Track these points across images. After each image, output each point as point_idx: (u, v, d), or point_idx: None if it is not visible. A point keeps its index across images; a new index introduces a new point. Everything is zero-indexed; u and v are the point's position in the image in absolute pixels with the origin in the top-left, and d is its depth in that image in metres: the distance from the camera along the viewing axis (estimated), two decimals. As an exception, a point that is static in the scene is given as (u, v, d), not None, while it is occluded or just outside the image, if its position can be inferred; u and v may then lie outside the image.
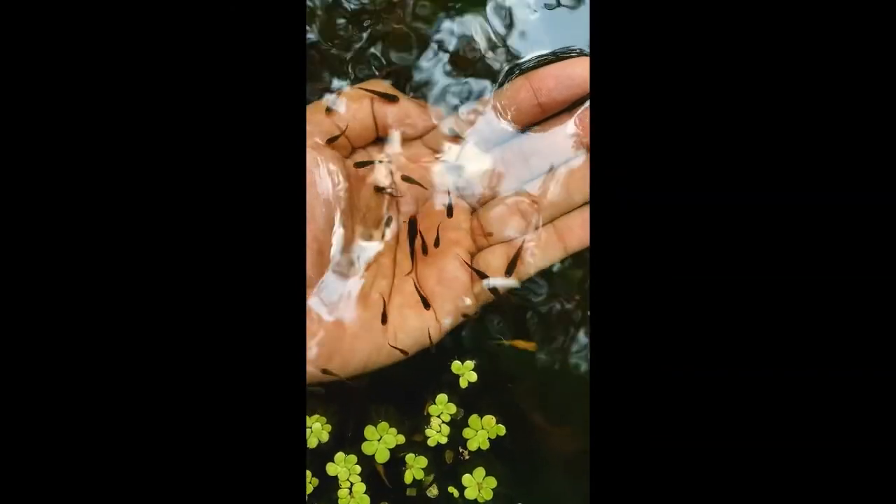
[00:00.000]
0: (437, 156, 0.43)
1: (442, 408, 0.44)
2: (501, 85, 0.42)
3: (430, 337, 0.42)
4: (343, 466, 0.44)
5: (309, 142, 0.40)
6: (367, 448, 0.44)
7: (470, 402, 0.45)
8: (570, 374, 0.45)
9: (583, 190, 0.42)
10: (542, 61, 0.42)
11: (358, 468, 0.44)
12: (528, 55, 0.43)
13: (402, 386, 0.44)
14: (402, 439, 0.44)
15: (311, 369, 0.40)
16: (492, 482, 0.45)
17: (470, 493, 0.45)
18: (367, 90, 0.42)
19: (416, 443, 0.44)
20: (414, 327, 0.42)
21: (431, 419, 0.44)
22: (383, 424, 0.44)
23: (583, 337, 0.45)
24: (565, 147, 0.42)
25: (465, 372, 0.44)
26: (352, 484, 0.44)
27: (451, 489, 0.45)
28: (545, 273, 0.44)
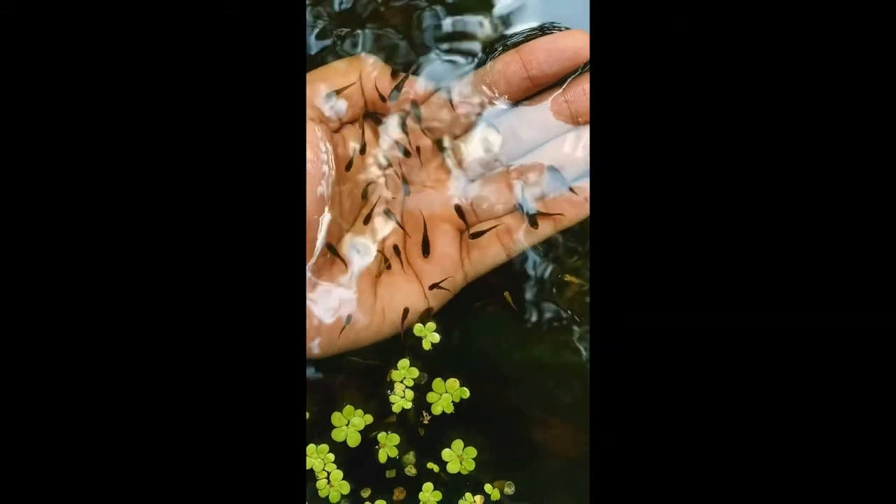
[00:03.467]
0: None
1: (404, 373, 0.42)
2: (485, 62, 0.42)
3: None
4: (316, 457, 0.42)
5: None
6: (336, 435, 0.42)
7: (433, 366, 0.42)
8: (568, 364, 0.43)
9: (573, 166, 0.41)
10: (529, 36, 0.42)
11: (332, 456, 0.42)
12: (514, 30, 0.43)
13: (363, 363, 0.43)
14: (370, 419, 0.42)
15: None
16: (472, 452, 0.42)
17: (452, 467, 0.42)
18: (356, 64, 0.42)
19: (387, 421, 0.42)
20: (402, 303, 0.41)
21: (395, 385, 0.42)
22: (349, 408, 0.42)
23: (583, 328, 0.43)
24: (556, 121, 0.41)
25: (428, 334, 0.42)
26: (328, 473, 0.42)
27: (431, 465, 0.42)
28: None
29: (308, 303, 0.40)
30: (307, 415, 0.42)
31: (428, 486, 0.42)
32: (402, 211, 0.43)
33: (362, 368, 0.42)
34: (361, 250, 0.42)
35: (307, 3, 0.43)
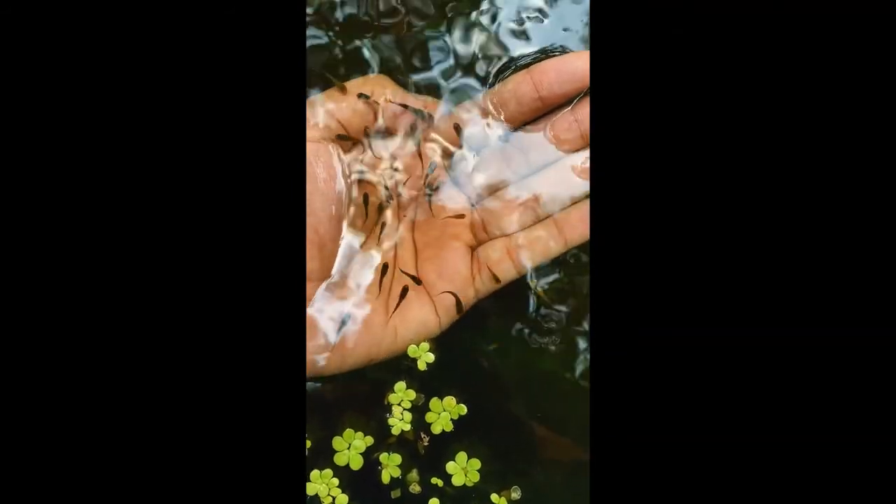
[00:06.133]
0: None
1: (401, 395, 0.42)
2: (492, 84, 0.42)
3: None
4: (321, 483, 0.42)
5: (311, 133, 0.40)
6: (338, 459, 0.42)
7: (429, 386, 0.42)
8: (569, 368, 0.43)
9: (583, 183, 0.41)
10: (534, 59, 0.42)
11: (336, 481, 0.42)
12: (518, 52, 0.43)
13: (361, 384, 0.43)
14: (370, 441, 0.42)
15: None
16: (476, 464, 0.42)
17: (457, 480, 0.42)
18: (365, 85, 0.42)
19: (388, 442, 0.42)
20: (413, 319, 0.41)
21: (392, 408, 0.42)
22: (349, 431, 0.42)
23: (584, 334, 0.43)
24: (563, 141, 0.41)
25: (422, 354, 0.42)
26: (333, 498, 0.42)
27: (435, 480, 0.42)
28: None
29: (318, 318, 0.40)
30: (308, 442, 0.42)
31: (434, 501, 0.42)
32: (414, 228, 0.43)
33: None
34: (373, 267, 0.42)
35: (307, 7, 0.43)
